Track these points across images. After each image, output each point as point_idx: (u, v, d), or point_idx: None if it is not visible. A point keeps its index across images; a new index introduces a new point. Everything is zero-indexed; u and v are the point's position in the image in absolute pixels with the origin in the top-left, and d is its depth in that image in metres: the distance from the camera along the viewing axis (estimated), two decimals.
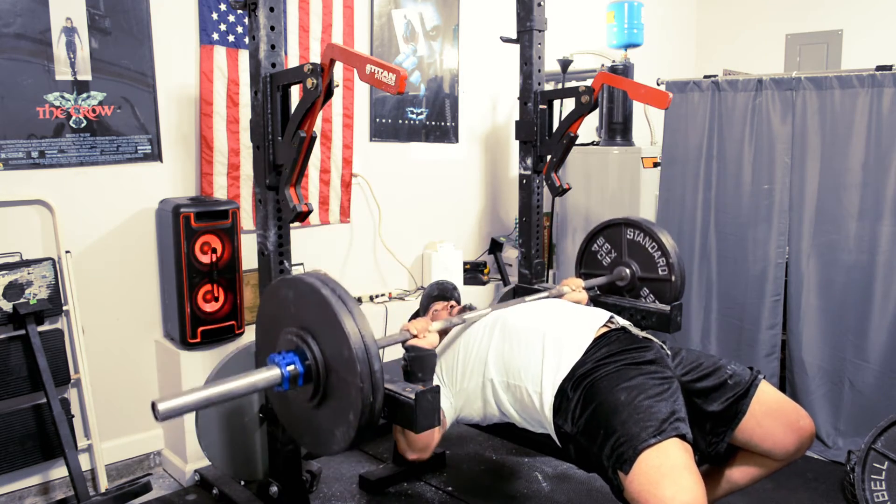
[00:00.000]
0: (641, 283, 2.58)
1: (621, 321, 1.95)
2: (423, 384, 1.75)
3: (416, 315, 2.45)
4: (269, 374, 1.47)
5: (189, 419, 2.40)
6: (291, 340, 1.52)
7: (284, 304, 1.58)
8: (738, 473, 1.89)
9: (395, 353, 2.48)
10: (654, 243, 2.54)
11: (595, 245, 2.72)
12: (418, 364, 1.78)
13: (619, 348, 1.80)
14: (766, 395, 1.81)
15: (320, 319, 1.47)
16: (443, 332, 1.98)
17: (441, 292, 2.37)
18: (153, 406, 1.27)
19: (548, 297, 2.29)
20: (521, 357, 1.84)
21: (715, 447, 1.82)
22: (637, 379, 1.68)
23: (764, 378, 1.86)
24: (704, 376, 1.85)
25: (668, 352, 1.89)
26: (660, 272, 2.53)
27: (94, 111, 2.43)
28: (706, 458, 1.85)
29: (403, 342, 1.86)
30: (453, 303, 2.35)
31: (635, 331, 1.91)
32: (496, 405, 1.91)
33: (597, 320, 1.91)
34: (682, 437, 1.55)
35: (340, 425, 1.48)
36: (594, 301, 2.54)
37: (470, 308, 2.17)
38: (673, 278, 2.49)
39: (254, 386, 1.46)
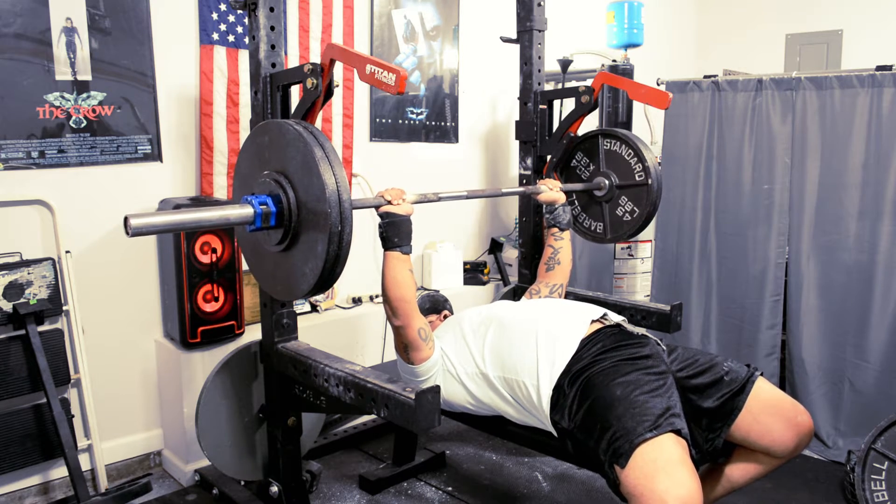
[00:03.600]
0: (620, 191, 2.58)
1: (615, 317, 1.95)
2: (401, 250, 1.84)
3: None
4: (242, 210, 1.51)
5: (189, 419, 2.40)
6: (266, 183, 1.55)
7: (260, 150, 1.61)
8: (738, 472, 1.89)
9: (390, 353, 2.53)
10: (630, 150, 2.53)
11: (574, 160, 2.70)
12: (393, 229, 1.85)
13: (615, 344, 1.81)
14: (764, 392, 1.81)
15: (293, 157, 1.50)
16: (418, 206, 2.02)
17: (433, 305, 2.40)
18: (126, 220, 1.32)
19: (525, 192, 2.42)
20: (516, 352, 1.86)
21: (712, 443, 1.82)
22: (633, 374, 1.69)
23: (761, 375, 1.85)
24: (700, 373, 1.85)
25: (664, 348, 1.90)
26: (637, 178, 2.52)
27: (94, 111, 2.43)
28: (704, 455, 1.85)
29: (377, 207, 1.89)
30: (446, 312, 2.36)
31: (630, 327, 1.91)
32: (489, 399, 1.92)
33: (590, 314, 1.92)
34: (678, 432, 1.56)
35: (309, 260, 1.50)
36: (593, 301, 2.54)
37: None
38: (649, 182, 2.48)
39: (226, 219, 1.52)
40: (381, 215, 1.88)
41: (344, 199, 1.44)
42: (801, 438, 1.79)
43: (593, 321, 1.91)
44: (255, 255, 1.73)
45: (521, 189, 2.47)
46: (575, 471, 2.61)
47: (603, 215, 2.64)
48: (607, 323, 1.91)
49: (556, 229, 2.43)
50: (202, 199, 2.59)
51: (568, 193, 2.54)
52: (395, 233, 1.86)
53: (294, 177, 1.52)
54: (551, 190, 2.42)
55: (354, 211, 1.52)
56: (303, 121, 1.56)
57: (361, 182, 3.25)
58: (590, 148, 2.64)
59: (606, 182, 2.59)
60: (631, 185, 2.54)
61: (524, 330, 1.89)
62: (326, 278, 1.51)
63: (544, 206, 2.46)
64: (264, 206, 1.52)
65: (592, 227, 2.69)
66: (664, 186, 3.31)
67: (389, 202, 1.89)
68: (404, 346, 1.93)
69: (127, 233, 1.33)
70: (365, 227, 3.30)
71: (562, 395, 1.74)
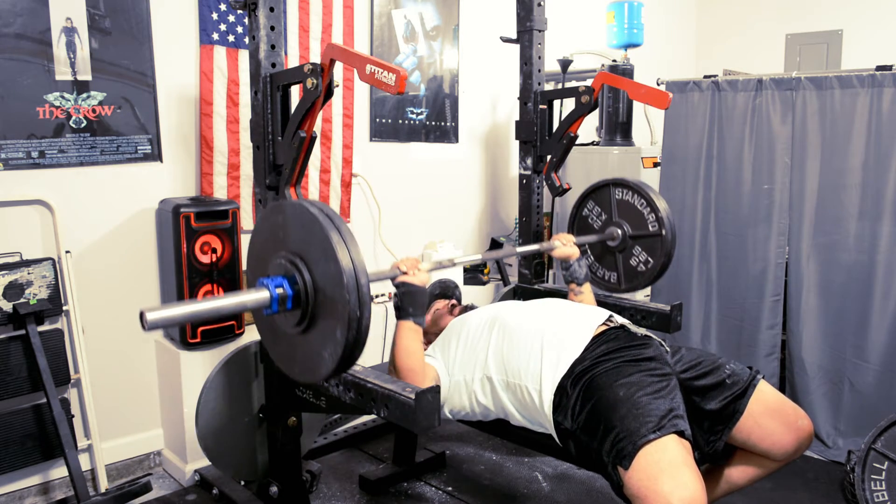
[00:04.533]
0: (633, 241, 2.55)
1: (620, 319, 1.95)
2: (415, 320, 1.82)
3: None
4: (259, 295, 1.48)
5: (189, 419, 2.40)
6: (281, 265, 1.53)
7: (274, 230, 1.59)
8: (737, 473, 1.89)
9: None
10: (642, 200, 2.50)
11: (585, 209, 2.69)
12: (409, 299, 1.83)
13: (619, 345, 1.81)
14: (765, 395, 1.81)
15: (309, 240, 1.48)
16: (444, 308, 1.99)
17: (443, 290, 2.39)
18: (141, 315, 1.28)
19: (539, 250, 2.35)
20: (521, 356, 1.85)
21: (713, 445, 1.82)
22: (636, 376, 1.69)
23: (763, 378, 1.86)
24: (703, 374, 1.85)
25: (668, 349, 1.90)
26: (650, 228, 2.50)
27: (94, 111, 2.43)
28: (704, 457, 1.85)
29: (393, 279, 1.87)
30: (454, 301, 2.36)
31: (634, 328, 1.91)
32: (494, 402, 1.91)
33: (596, 318, 1.91)
34: (681, 433, 1.56)
35: (328, 345, 1.47)
36: (598, 302, 2.54)
37: (471, 308, 2.17)
38: (664, 233, 2.45)
39: (242, 305, 1.48)
40: (396, 286, 1.87)
41: (362, 284, 1.41)
42: (802, 442, 1.79)
43: (599, 325, 1.90)
44: (272, 336, 1.70)
45: (535, 247, 2.39)
46: (575, 471, 2.61)
47: (617, 265, 2.61)
48: (612, 325, 1.91)
49: (574, 284, 2.38)
50: (202, 199, 2.59)
51: (581, 245, 2.51)
52: (410, 303, 1.85)
53: (310, 260, 1.49)
54: (564, 245, 2.37)
55: (355, 209, 1.51)
56: (318, 201, 1.52)
57: (361, 182, 3.25)
58: (601, 197, 2.63)
59: (619, 232, 2.56)
60: (644, 235, 2.52)
61: (530, 335, 1.88)
62: (346, 362, 1.48)
63: (560, 262, 2.42)
64: (280, 290, 1.48)
65: (606, 277, 2.66)
66: (663, 186, 3.32)
67: (405, 272, 1.88)
68: None
69: (143, 327, 1.29)
70: (365, 227, 3.30)
71: (565, 395, 1.74)
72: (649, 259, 2.52)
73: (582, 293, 2.37)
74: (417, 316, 1.86)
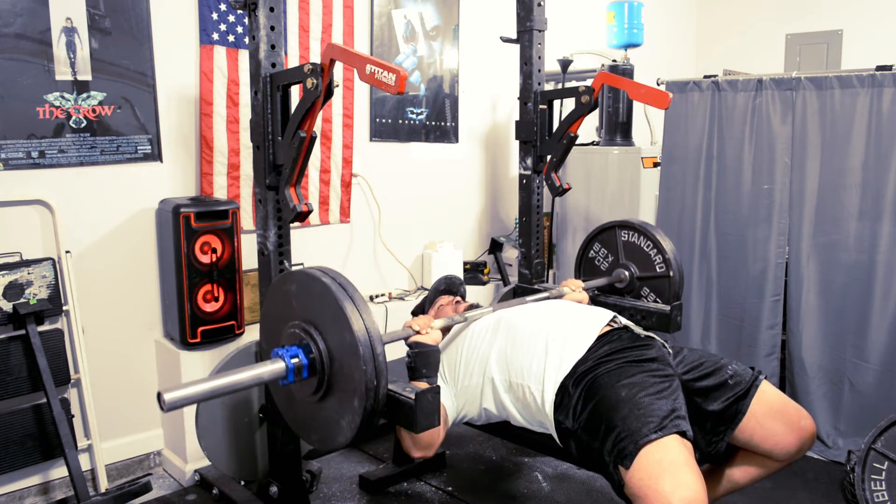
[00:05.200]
0: (641, 282, 2.58)
1: (623, 320, 1.95)
2: (428, 381, 1.78)
3: (418, 310, 2.46)
4: (274, 366, 1.48)
5: (189, 419, 2.40)
6: (295, 334, 1.53)
7: (286, 298, 1.59)
8: (739, 473, 1.89)
9: (393, 353, 2.54)
10: (649, 242, 2.53)
11: (591, 251, 2.71)
12: (422, 360, 1.80)
13: (621, 346, 1.81)
14: (768, 396, 1.82)
15: (321, 307, 1.48)
16: (445, 330, 1.99)
17: (448, 286, 2.39)
18: (159, 396, 1.28)
19: (549, 297, 2.30)
20: (525, 356, 1.85)
21: (715, 446, 1.82)
22: (638, 376, 1.69)
23: (765, 378, 1.86)
24: (705, 375, 1.85)
25: (670, 350, 1.90)
26: (657, 270, 2.52)
27: (94, 111, 2.43)
28: (706, 457, 1.86)
29: (406, 339, 1.86)
30: (459, 298, 2.36)
31: (638, 330, 1.91)
32: (496, 404, 1.91)
33: (600, 319, 1.91)
34: (683, 433, 1.56)
35: (346, 414, 1.47)
36: (594, 300, 2.54)
37: (475, 307, 2.18)
38: (671, 274, 2.48)
39: (259, 378, 1.48)
40: (409, 345, 1.85)
41: (378, 353, 1.41)
42: (804, 443, 1.79)
43: (602, 326, 1.90)
44: (288, 403, 1.69)
45: (545, 295, 2.33)
46: (575, 471, 2.61)
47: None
48: (616, 325, 1.91)
49: None
50: (202, 199, 2.59)
51: (590, 290, 2.51)
52: (423, 363, 1.82)
53: (324, 328, 1.49)
54: (574, 291, 2.36)
55: (355, 209, 1.50)
56: (330, 269, 1.53)
57: (361, 182, 3.25)
58: (607, 239, 2.65)
59: (626, 273, 2.58)
60: (652, 276, 2.54)
61: (534, 335, 1.88)
62: (365, 430, 1.48)
63: None
64: (296, 360, 1.49)
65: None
66: (663, 186, 3.32)
67: (418, 332, 1.87)
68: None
69: (162, 409, 1.29)
70: (365, 227, 3.30)
71: (566, 395, 1.74)
72: (657, 300, 2.54)
73: None
74: (431, 376, 1.82)
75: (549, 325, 1.89)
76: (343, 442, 1.52)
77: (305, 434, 1.69)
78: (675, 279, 2.48)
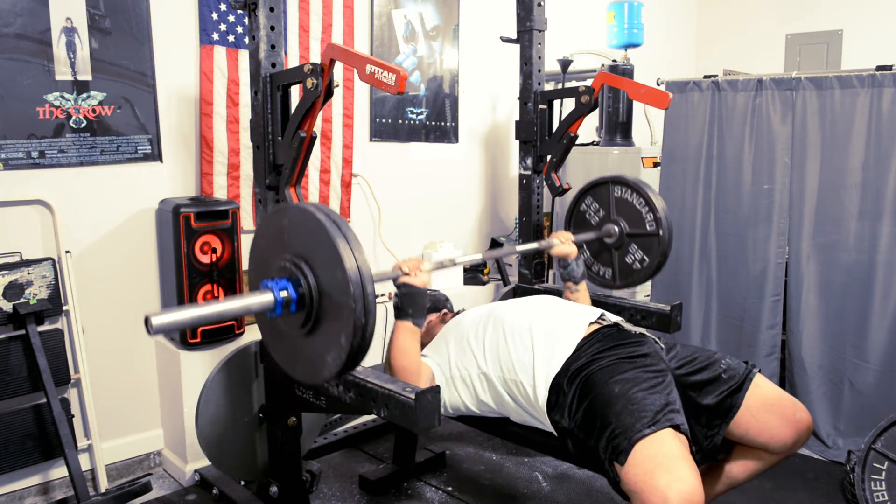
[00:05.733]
0: (630, 239, 2.56)
1: (613, 317, 1.96)
2: (414, 321, 1.84)
3: None
4: (263, 298, 1.48)
5: (189, 419, 2.40)
6: (285, 267, 1.52)
7: (278, 232, 1.58)
8: (737, 468, 1.89)
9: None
10: (641, 199, 2.51)
11: (583, 205, 2.68)
12: (409, 300, 1.85)
13: (613, 343, 1.82)
14: (762, 389, 1.82)
15: (314, 244, 1.48)
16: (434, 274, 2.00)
17: (434, 304, 2.39)
18: (147, 320, 1.28)
19: (538, 248, 2.38)
20: (513, 351, 1.86)
21: (711, 440, 1.82)
22: (631, 372, 1.70)
23: (759, 372, 1.86)
24: (699, 370, 1.85)
25: (663, 346, 1.90)
26: (647, 227, 2.50)
27: (94, 111, 2.43)
28: (703, 452, 1.85)
29: (395, 279, 1.89)
30: (446, 312, 2.36)
31: (628, 326, 1.92)
32: (493, 399, 1.92)
33: (588, 316, 1.93)
34: (677, 427, 1.56)
35: (332, 349, 1.48)
36: (593, 300, 2.54)
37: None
38: (661, 233, 2.46)
39: (247, 308, 1.48)
40: (398, 286, 1.88)
41: (368, 292, 1.41)
42: (800, 435, 1.79)
43: (591, 322, 1.91)
44: (274, 337, 1.70)
45: (534, 245, 2.41)
46: (575, 471, 2.61)
47: (612, 262, 2.62)
48: (605, 323, 1.92)
49: (570, 283, 2.40)
50: (202, 199, 2.59)
51: (579, 243, 2.51)
52: (410, 304, 1.86)
53: (315, 264, 1.49)
54: (563, 243, 2.38)
55: (355, 209, 1.50)
56: (323, 206, 1.52)
57: (361, 182, 3.25)
58: (600, 194, 2.63)
59: (616, 229, 2.57)
60: (641, 234, 2.52)
61: (522, 330, 1.89)
62: (350, 366, 1.48)
63: (558, 260, 2.43)
64: (284, 293, 1.49)
65: (602, 273, 2.67)
66: (663, 186, 3.32)
67: (407, 273, 1.88)
68: None
69: (148, 332, 1.30)
70: (365, 227, 3.30)
71: (561, 394, 1.74)
72: (645, 258, 2.53)
73: (578, 291, 2.39)
74: (416, 317, 1.88)
75: (536, 319, 1.91)
76: (328, 377, 1.53)
77: (290, 367, 1.69)
78: (664, 238, 2.46)
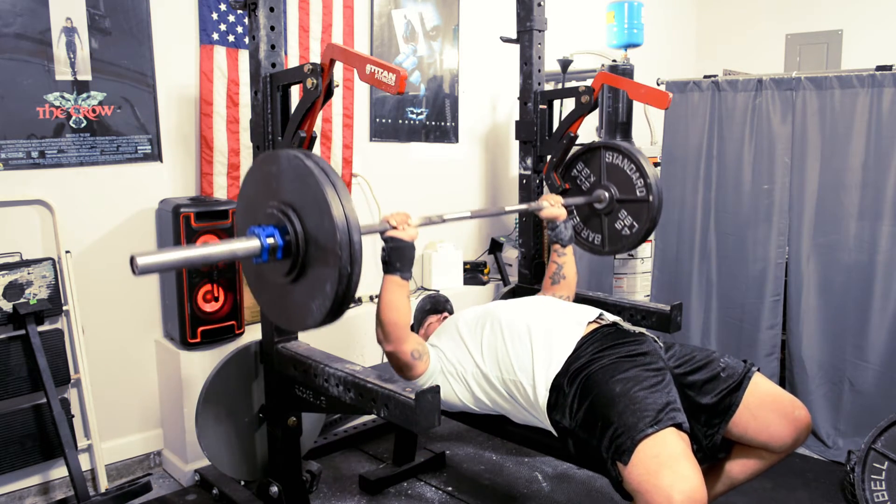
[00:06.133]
0: (620, 204, 2.58)
1: (611, 317, 1.96)
2: (402, 275, 1.84)
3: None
4: (249, 243, 1.49)
5: (189, 419, 2.40)
6: (273, 214, 1.53)
7: (267, 179, 1.59)
8: (738, 468, 1.89)
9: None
10: (632, 165, 2.52)
11: (574, 170, 2.69)
12: (397, 254, 1.85)
13: (612, 342, 1.82)
14: (761, 388, 1.82)
15: (302, 191, 1.48)
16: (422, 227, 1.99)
17: (434, 305, 2.40)
18: (132, 260, 1.29)
19: (527, 209, 2.44)
20: (513, 352, 1.86)
21: (710, 440, 1.82)
22: (632, 371, 1.70)
23: (758, 370, 1.86)
24: (697, 369, 1.85)
25: (661, 345, 1.90)
26: (638, 193, 2.52)
27: (94, 111, 2.43)
28: (703, 451, 1.85)
29: (383, 233, 1.89)
30: (446, 314, 2.36)
31: (627, 326, 1.92)
32: (491, 399, 1.92)
33: (586, 315, 1.93)
34: (679, 426, 1.56)
35: (317, 297, 1.48)
36: (593, 300, 2.54)
37: None
38: (651, 199, 2.48)
39: (233, 253, 1.50)
40: (385, 240, 1.88)
41: (355, 241, 1.42)
42: (799, 433, 1.79)
43: (590, 322, 1.91)
44: (259, 283, 1.70)
45: (524, 206, 2.47)
46: (575, 471, 2.61)
47: (602, 228, 2.64)
48: (604, 322, 1.92)
49: (558, 245, 2.42)
50: (202, 199, 2.59)
51: (569, 207, 2.53)
52: (398, 258, 1.86)
53: (302, 211, 1.49)
54: (552, 206, 2.40)
55: (357, 208, 1.50)
56: (313, 154, 1.53)
57: (361, 182, 3.25)
58: (591, 159, 2.64)
59: (606, 195, 2.58)
60: (631, 199, 2.53)
61: (520, 330, 1.89)
62: (334, 315, 1.49)
63: (546, 222, 2.46)
64: (271, 239, 1.50)
65: (591, 239, 2.70)
66: (664, 186, 3.31)
67: (394, 227, 1.88)
68: (399, 368, 1.92)
69: (133, 272, 1.30)
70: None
71: (561, 394, 1.74)
72: (634, 224, 2.54)
73: (565, 255, 2.41)
74: (404, 271, 1.87)
75: (535, 320, 1.91)
76: (311, 325, 1.53)
77: (274, 314, 1.70)
78: (653, 204, 2.47)
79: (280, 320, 1.70)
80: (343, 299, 1.45)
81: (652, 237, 3.42)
